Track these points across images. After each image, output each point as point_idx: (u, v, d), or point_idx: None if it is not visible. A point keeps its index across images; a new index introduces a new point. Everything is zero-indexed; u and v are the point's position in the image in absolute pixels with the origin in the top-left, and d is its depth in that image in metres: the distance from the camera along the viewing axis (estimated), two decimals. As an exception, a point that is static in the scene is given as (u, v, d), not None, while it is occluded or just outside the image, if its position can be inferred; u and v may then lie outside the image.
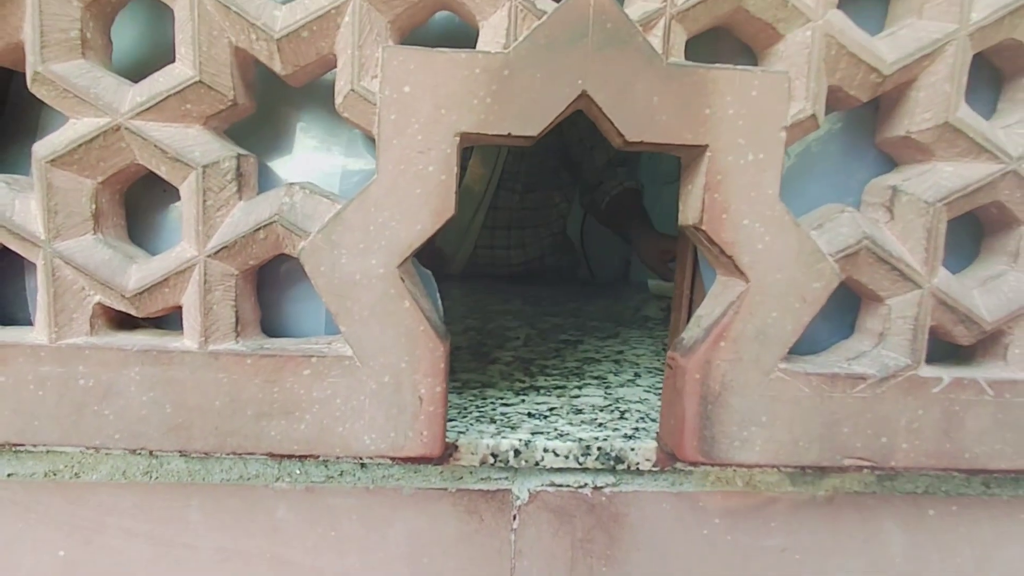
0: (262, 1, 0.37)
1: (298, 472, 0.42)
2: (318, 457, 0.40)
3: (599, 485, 0.43)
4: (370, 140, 0.43)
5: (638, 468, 0.42)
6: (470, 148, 1.22)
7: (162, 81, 0.37)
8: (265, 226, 0.38)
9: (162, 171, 0.38)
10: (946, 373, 0.41)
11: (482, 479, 0.42)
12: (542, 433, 0.43)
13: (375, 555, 0.42)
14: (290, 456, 0.39)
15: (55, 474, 0.41)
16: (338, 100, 0.38)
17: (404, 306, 0.37)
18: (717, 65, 0.37)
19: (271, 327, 0.42)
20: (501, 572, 0.43)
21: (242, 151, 0.39)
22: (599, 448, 0.42)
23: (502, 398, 0.51)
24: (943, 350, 0.43)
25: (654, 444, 0.42)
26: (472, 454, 0.41)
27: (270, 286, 0.42)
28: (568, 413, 0.48)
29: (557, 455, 0.42)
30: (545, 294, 1.16)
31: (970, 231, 0.44)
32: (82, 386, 0.38)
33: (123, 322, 0.41)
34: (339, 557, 0.42)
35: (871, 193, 0.42)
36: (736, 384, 0.39)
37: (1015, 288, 0.41)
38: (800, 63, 0.38)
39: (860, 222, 0.40)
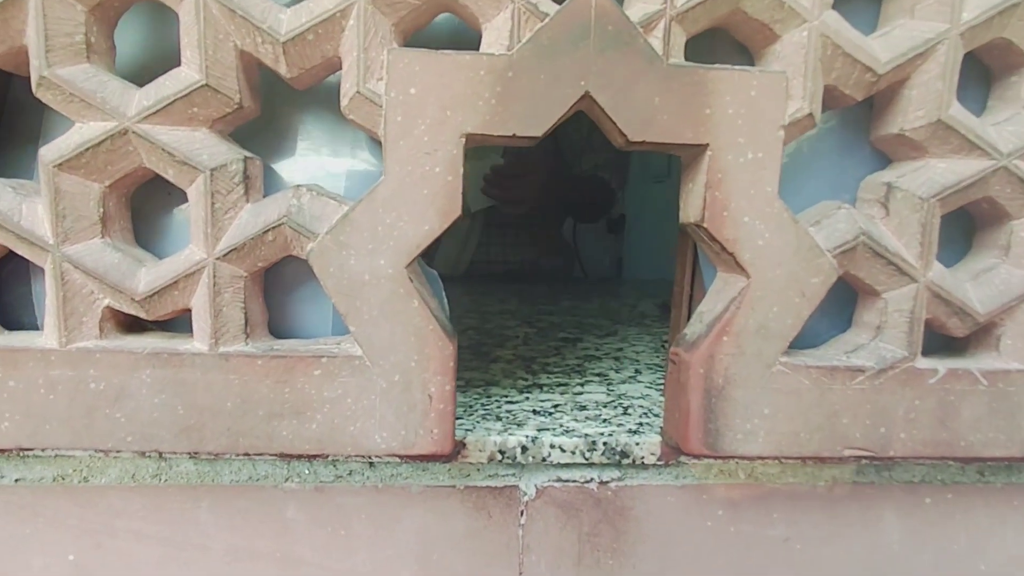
0: (267, 4, 0.37)
1: (307, 472, 0.42)
2: (327, 457, 0.40)
3: (605, 480, 0.44)
4: (374, 142, 0.43)
5: (643, 462, 0.43)
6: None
7: (169, 85, 0.37)
8: (273, 228, 0.38)
9: (169, 174, 0.38)
10: (942, 364, 0.42)
11: (490, 476, 0.43)
12: (548, 430, 0.44)
13: (385, 553, 0.43)
14: (302, 456, 0.39)
15: (63, 479, 0.41)
16: (344, 102, 0.38)
17: (413, 305, 0.38)
18: (717, 66, 0.38)
19: (276, 329, 0.42)
20: (510, 567, 0.43)
21: (248, 154, 0.39)
22: (604, 443, 0.43)
23: (506, 396, 0.52)
24: (938, 342, 0.44)
25: (658, 439, 0.43)
26: (480, 451, 0.42)
27: (275, 288, 0.42)
28: (572, 410, 0.49)
29: (563, 451, 0.42)
30: (540, 293, 1.17)
31: (962, 226, 0.45)
32: (93, 389, 0.38)
33: (131, 325, 0.41)
34: (349, 555, 0.43)
35: (866, 190, 0.43)
36: (739, 378, 0.40)
37: (1006, 281, 0.42)
38: (797, 63, 0.39)
39: (857, 218, 0.40)
